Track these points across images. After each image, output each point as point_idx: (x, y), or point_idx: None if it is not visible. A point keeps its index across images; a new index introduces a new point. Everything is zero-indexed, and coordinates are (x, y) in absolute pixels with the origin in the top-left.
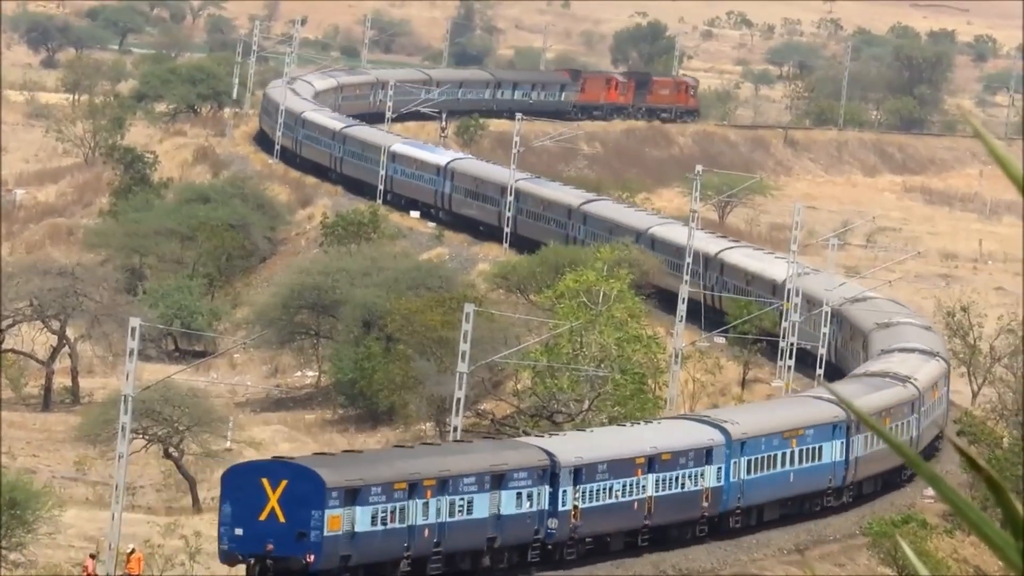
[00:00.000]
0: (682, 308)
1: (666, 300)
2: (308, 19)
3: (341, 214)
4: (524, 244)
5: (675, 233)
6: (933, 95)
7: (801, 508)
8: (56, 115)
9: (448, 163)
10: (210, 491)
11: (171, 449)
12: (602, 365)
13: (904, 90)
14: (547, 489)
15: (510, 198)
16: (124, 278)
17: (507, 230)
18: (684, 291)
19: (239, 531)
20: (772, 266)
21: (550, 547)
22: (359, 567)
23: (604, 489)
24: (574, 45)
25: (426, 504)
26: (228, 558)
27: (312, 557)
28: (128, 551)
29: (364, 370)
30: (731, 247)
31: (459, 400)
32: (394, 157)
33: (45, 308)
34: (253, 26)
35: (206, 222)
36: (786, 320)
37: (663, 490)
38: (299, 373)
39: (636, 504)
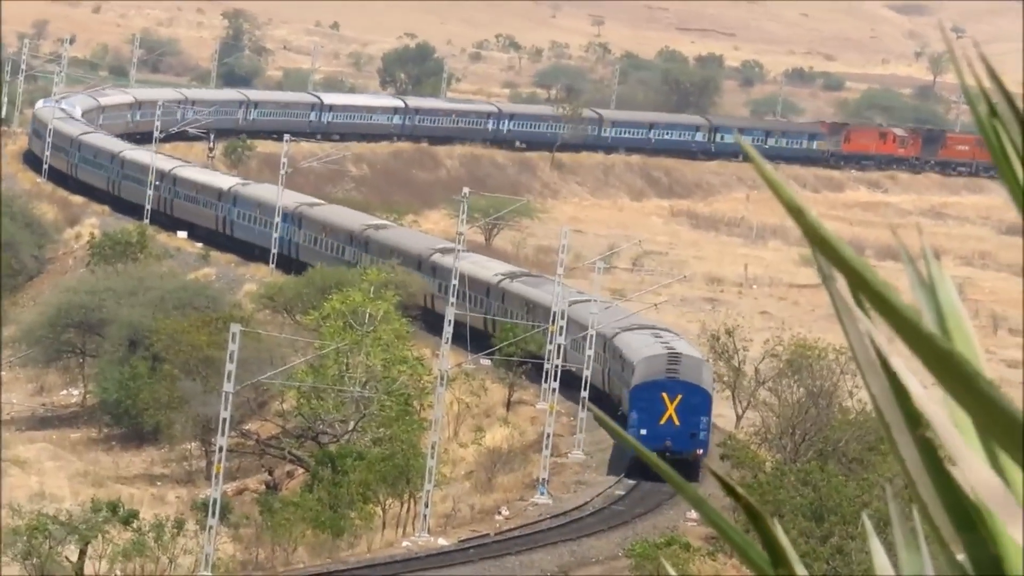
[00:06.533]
0: (448, 330)
1: (430, 322)
2: (77, 38)
3: (108, 233)
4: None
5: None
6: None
7: None
8: None
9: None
10: None
11: None
12: (367, 386)
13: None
14: None
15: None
16: None
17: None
18: (450, 312)
19: (643, 431)
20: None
21: None
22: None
23: None
24: (343, 66)
25: None
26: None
27: (700, 451)
28: None
29: (129, 389)
30: (244, 183)
31: (225, 420)
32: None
33: None
34: (22, 45)
35: None
36: (551, 343)
37: None
38: (65, 392)
39: None
